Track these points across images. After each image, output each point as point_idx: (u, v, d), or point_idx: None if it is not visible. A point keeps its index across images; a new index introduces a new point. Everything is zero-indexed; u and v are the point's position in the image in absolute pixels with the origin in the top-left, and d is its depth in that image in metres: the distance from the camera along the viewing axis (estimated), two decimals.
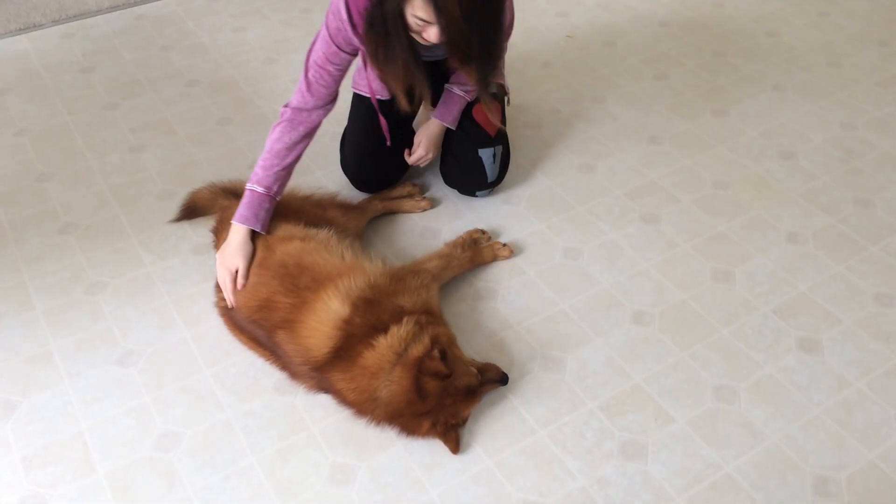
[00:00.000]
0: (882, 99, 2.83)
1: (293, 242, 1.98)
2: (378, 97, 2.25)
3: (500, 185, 2.46)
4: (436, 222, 2.37)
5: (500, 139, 2.35)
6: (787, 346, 1.99)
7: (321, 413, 1.86)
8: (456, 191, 2.45)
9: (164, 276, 2.21)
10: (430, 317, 1.88)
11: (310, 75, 2.02)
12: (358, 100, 2.37)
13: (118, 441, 1.82)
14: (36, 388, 1.93)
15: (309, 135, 2.09)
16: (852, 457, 1.76)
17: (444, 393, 1.72)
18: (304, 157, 2.57)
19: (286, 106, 2.07)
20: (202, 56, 3.11)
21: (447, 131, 2.35)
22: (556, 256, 2.24)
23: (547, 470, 1.75)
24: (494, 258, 2.23)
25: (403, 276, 1.95)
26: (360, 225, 2.29)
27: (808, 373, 1.93)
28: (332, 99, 2.08)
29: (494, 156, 2.34)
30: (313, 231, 2.05)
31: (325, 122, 2.68)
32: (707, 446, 1.78)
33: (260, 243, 2.00)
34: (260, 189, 2.02)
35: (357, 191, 2.44)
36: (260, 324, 1.90)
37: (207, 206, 2.32)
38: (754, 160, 2.57)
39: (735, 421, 1.83)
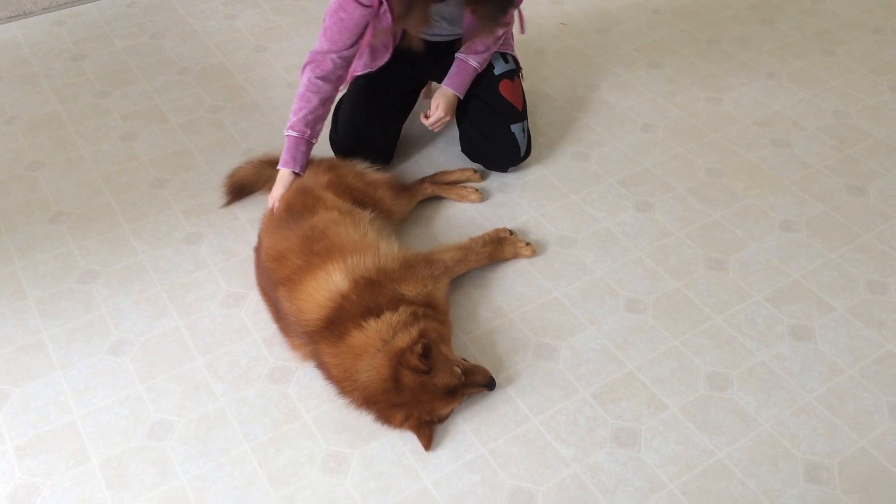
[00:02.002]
0: (875, 87, 2.83)
1: (332, 212, 2.03)
2: (357, 73, 2.37)
3: (490, 173, 2.46)
4: (429, 210, 2.36)
5: (525, 113, 2.42)
6: (780, 333, 2.00)
7: (315, 402, 1.86)
8: (482, 167, 2.48)
9: (157, 264, 2.20)
10: (430, 309, 1.88)
11: (326, 21, 2.14)
12: (360, 82, 2.41)
13: (111, 430, 1.82)
14: (28, 377, 1.93)
15: (327, 79, 2.18)
16: (844, 443, 1.77)
17: (420, 388, 1.71)
18: None
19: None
20: (193, 43, 3.09)
21: (477, 111, 2.37)
22: (549, 244, 2.24)
23: (540, 457, 1.75)
24: (515, 256, 2.19)
25: (415, 264, 1.94)
26: (406, 209, 2.29)
27: (800, 360, 1.94)
28: (346, 47, 2.16)
29: (524, 130, 2.40)
30: (357, 210, 2.09)
31: None
32: (699, 433, 1.79)
33: (308, 202, 2.07)
34: (294, 133, 2.17)
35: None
36: (269, 273, 1.95)
37: (254, 182, 2.36)
38: (748, 148, 2.57)
39: (727, 408, 1.84)
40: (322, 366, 1.83)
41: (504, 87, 2.36)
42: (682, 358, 1.94)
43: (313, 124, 2.19)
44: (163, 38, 3.13)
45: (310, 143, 2.20)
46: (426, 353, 1.71)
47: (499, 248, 2.16)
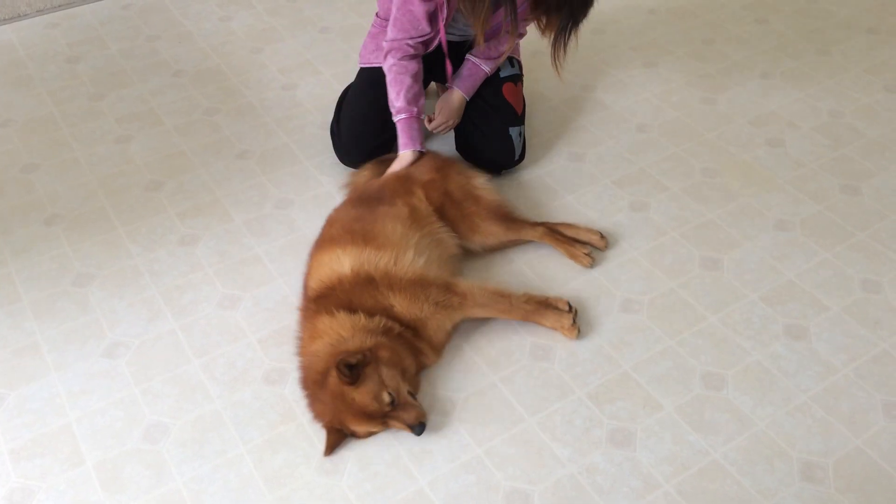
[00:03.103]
0: (870, 86, 2.83)
1: (405, 208, 2.05)
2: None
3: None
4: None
5: (524, 119, 2.44)
6: (775, 332, 2.00)
7: None
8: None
9: (152, 267, 2.20)
10: (413, 333, 1.86)
11: (395, 12, 2.19)
12: (366, 76, 2.41)
13: (106, 432, 1.81)
14: (23, 380, 1.93)
15: (411, 57, 2.23)
16: (839, 442, 1.77)
17: (339, 396, 1.71)
18: (290, 145, 2.59)
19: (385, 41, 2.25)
20: (188, 45, 3.09)
21: (478, 111, 2.38)
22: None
23: (536, 458, 1.75)
24: (554, 328, 1.98)
25: (428, 286, 1.89)
26: (495, 239, 2.16)
27: (795, 359, 1.94)
28: (421, 34, 2.20)
29: (520, 134, 2.41)
30: (430, 218, 2.08)
31: (312, 112, 2.69)
32: (695, 433, 1.79)
33: (398, 191, 2.10)
34: (403, 115, 2.22)
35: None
36: (322, 230, 2.10)
37: None
38: (743, 148, 2.57)
39: (723, 408, 1.84)
40: (300, 334, 1.90)
41: (507, 90, 2.37)
42: (678, 358, 1.94)
43: (415, 101, 2.22)
44: (158, 40, 3.13)
45: (419, 120, 2.24)
46: (354, 366, 1.69)
47: (541, 311, 1.97)
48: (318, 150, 2.57)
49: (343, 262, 1.90)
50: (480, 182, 2.24)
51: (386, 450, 1.77)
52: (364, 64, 2.43)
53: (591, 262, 2.15)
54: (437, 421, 1.82)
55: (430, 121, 2.38)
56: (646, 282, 2.13)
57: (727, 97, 2.79)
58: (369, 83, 2.38)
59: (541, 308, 1.98)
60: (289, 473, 1.73)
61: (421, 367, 1.89)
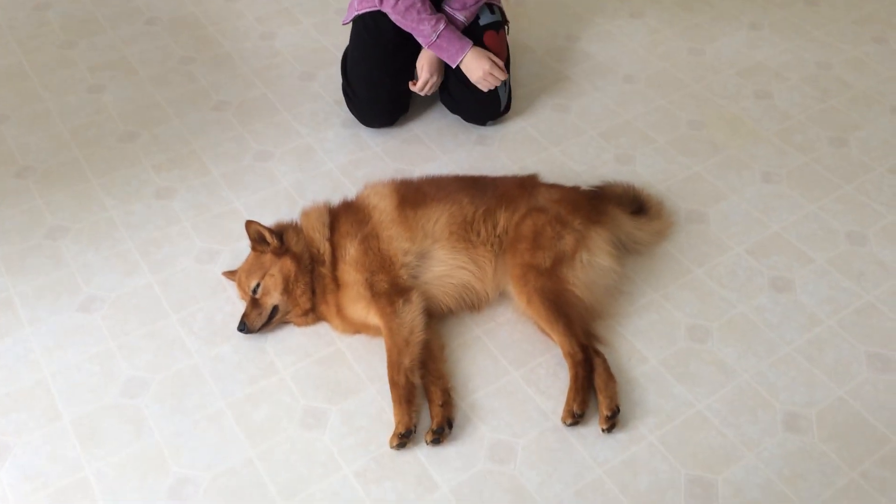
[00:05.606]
0: (858, 38, 2.79)
1: (479, 216, 1.91)
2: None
3: (472, 125, 2.42)
4: (405, 162, 2.31)
5: (508, 67, 2.36)
6: (760, 285, 1.99)
7: (292, 357, 1.84)
8: (461, 119, 2.43)
9: (127, 220, 2.14)
10: (335, 286, 1.86)
11: None
12: (361, 26, 2.32)
13: (83, 387, 1.78)
14: None
15: None
16: (822, 393, 1.77)
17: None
18: (269, 96, 2.53)
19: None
20: None
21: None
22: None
23: (520, 410, 1.74)
24: (394, 417, 1.69)
25: (385, 271, 1.84)
26: (523, 310, 1.85)
27: (780, 311, 1.93)
28: None
29: (505, 84, 2.35)
30: (488, 246, 1.88)
31: (291, 62, 2.61)
32: (679, 385, 1.78)
33: (504, 196, 1.95)
34: (441, 25, 2.20)
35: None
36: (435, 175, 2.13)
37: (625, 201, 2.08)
38: (730, 99, 2.53)
39: (707, 360, 1.83)
40: None
41: (489, 39, 2.30)
42: (663, 310, 1.93)
43: (437, 6, 2.22)
44: None
45: (447, 19, 2.22)
46: (263, 239, 1.87)
47: (404, 399, 1.69)
48: (298, 101, 2.50)
49: (378, 199, 1.94)
50: (593, 259, 1.87)
51: (369, 404, 1.75)
52: (357, 12, 2.32)
53: (569, 422, 1.69)
54: None
55: (414, 84, 2.31)
56: None
57: (715, 48, 2.74)
58: (368, 33, 2.30)
59: (409, 394, 1.70)
60: (270, 427, 1.71)
61: (317, 317, 1.90)
